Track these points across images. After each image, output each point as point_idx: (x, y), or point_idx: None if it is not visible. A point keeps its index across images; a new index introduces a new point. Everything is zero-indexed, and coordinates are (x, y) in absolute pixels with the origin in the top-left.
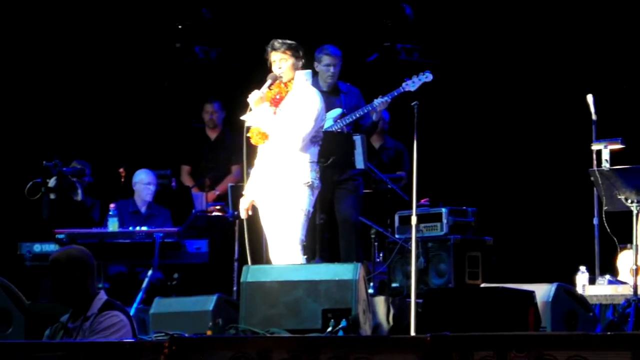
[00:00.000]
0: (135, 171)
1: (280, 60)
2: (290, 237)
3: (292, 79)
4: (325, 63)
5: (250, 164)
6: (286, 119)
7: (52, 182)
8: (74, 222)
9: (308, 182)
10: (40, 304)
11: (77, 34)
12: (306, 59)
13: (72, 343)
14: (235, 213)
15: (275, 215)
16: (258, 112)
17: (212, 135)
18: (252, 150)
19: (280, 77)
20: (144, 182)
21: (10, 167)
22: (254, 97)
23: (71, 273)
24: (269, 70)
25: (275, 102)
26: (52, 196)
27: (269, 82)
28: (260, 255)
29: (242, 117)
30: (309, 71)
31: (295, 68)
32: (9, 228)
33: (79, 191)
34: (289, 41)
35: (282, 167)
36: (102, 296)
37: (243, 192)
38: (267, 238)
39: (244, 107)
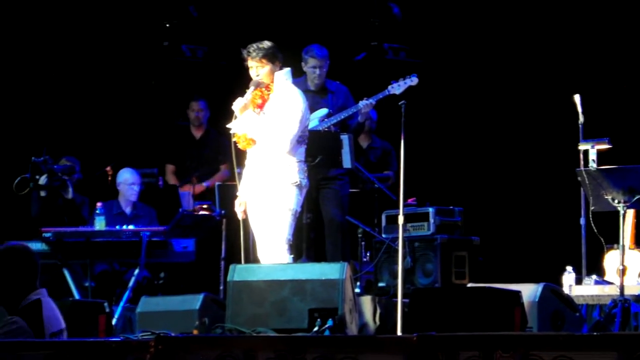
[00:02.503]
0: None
1: (257, 68)
2: (278, 236)
3: (272, 81)
4: (311, 65)
5: (239, 164)
6: (271, 123)
7: (42, 180)
8: (63, 220)
9: (296, 182)
10: None
11: (65, 32)
12: (292, 57)
13: (59, 342)
14: (223, 212)
15: (263, 215)
16: (243, 119)
17: (197, 134)
18: (241, 151)
19: (262, 82)
20: (128, 182)
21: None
22: (238, 105)
23: (4, 270)
24: (249, 74)
25: (259, 106)
26: (42, 193)
27: (252, 88)
28: (248, 255)
29: (228, 126)
30: (288, 70)
31: (273, 72)
32: None
33: (70, 189)
34: (265, 46)
35: (270, 167)
36: (32, 297)
37: (237, 194)
38: (255, 237)
39: (230, 105)
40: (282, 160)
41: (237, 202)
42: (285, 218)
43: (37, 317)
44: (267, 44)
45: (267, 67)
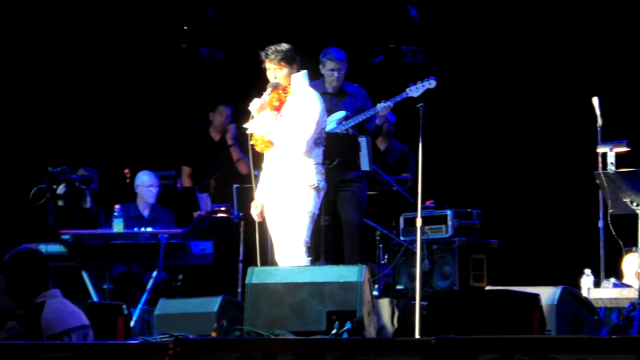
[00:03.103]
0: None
1: (275, 70)
2: (295, 238)
3: (290, 84)
4: (329, 68)
5: (257, 167)
6: (288, 124)
7: (61, 189)
8: (81, 229)
9: (314, 184)
10: None
11: (82, 36)
12: (310, 59)
13: (78, 344)
14: (241, 214)
15: (280, 217)
16: (260, 120)
17: (216, 136)
18: (259, 154)
19: (280, 85)
20: (146, 185)
21: (14, 169)
22: (255, 105)
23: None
24: (267, 76)
25: (276, 108)
26: (60, 203)
27: (269, 90)
28: (266, 257)
29: (245, 125)
30: (305, 72)
31: (290, 74)
32: (14, 229)
33: (88, 198)
34: (283, 48)
35: (287, 170)
36: (39, 299)
37: (254, 196)
38: (272, 240)
39: (248, 108)
40: (300, 163)
41: (253, 205)
42: (303, 220)
43: (35, 320)
44: (285, 46)
45: (285, 70)
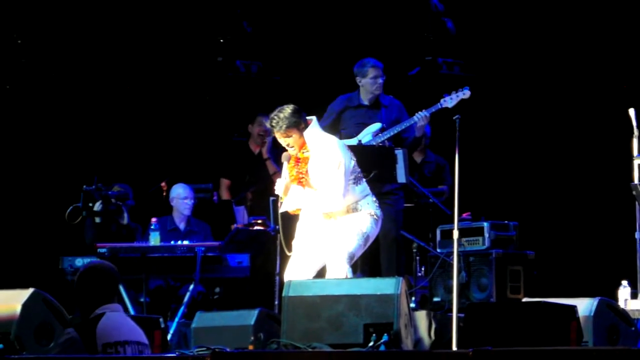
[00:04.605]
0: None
1: (286, 140)
2: (342, 250)
3: (305, 143)
4: (373, 75)
5: None
6: (318, 191)
7: (97, 206)
8: None
9: (371, 213)
10: None
11: (118, 51)
12: (345, 73)
13: (115, 357)
14: (277, 227)
15: (334, 235)
16: (290, 198)
17: (255, 149)
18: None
19: (292, 155)
20: (181, 197)
21: (50, 187)
22: (280, 187)
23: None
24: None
25: (300, 180)
26: (97, 220)
27: (285, 164)
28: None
29: (280, 211)
30: (314, 119)
31: (301, 134)
32: (51, 242)
33: (125, 215)
34: (286, 114)
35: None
36: (99, 311)
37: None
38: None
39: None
40: (350, 204)
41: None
42: (355, 238)
43: (91, 328)
44: (287, 111)
45: (296, 135)
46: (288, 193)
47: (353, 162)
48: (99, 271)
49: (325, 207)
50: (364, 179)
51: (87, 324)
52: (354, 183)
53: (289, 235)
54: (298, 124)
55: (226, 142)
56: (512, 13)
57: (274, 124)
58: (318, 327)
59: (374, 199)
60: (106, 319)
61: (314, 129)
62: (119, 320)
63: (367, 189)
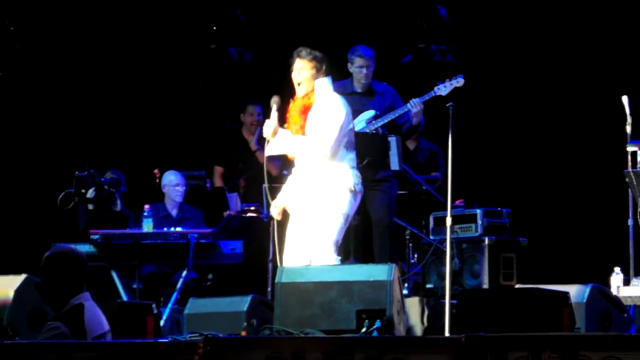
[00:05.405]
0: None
1: (301, 69)
2: (326, 238)
3: (312, 90)
4: (358, 65)
5: (287, 167)
6: (308, 136)
7: (90, 193)
8: None
9: (350, 188)
10: None
11: (111, 38)
12: (339, 59)
13: (107, 343)
14: (270, 214)
15: (313, 217)
16: (277, 141)
17: (248, 137)
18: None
19: (279, 102)
20: (172, 184)
21: (42, 174)
22: (269, 129)
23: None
24: (290, 76)
25: (304, 112)
26: (90, 207)
27: (274, 107)
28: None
29: (265, 155)
30: (328, 78)
31: (314, 78)
32: (43, 228)
33: (118, 201)
34: (318, 52)
35: (322, 175)
36: (74, 301)
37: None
38: (289, 240)
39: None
40: (334, 169)
41: (273, 204)
42: (337, 221)
43: (78, 321)
44: (319, 52)
45: (311, 72)
46: (275, 137)
47: (351, 126)
48: (71, 257)
49: (314, 152)
50: (355, 150)
51: (71, 317)
52: (345, 146)
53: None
54: (319, 66)
55: (219, 129)
56: (505, 0)
57: (302, 50)
58: (311, 313)
59: (358, 173)
60: (88, 311)
61: (325, 83)
62: (97, 311)
63: (355, 162)
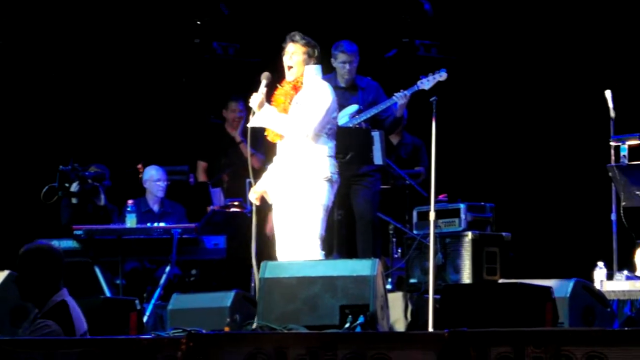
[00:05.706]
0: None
1: (293, 54)
2: (310, 232)
3: (302, 75)
4: (341, 60)
5: (269, 160)
6: (293, 114)
7: (74, 187)
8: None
9: (327, 177)
10: None
11: (93, 32)
12: (323, 54)
13: (91, 340)
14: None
15: (293, 211)
16: (262, 114)
17: (232, 132)
18: (270, 144)
19: (270, 78)
20: (154, 179)
21: (25, 168)
22: (255, 101)
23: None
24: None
25: (290, 96)
26: (73, 200)
27: (264, 81)
28: (269, 252)
29: (248, 125)
30: (318, 66)
31: (304, 64)
32: (26, 223)
33: (102, 195)
34: (311, 39)
35: (300, 162)
36: (57, 298)
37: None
38: (278, 234)
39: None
40: (312, 155)
41: (252, 190)
42: (317, 214)
43: (66, 319)
44: (312, 40)
45: (302, 57)
46: (261, 110)
47: (336, 114)
48: (48, 253)
49: (297, 129)
50: (335, 140)
51: (58, 315)
52: (327, 133)
53: (264, 218)
54: (312, 52)
55: (203, 124)
56: None
57: (294, 34)
58: (294, 308)
59: (335, 163)
60: (72, 309)
61: (315, 70)
62: (78, 309)
63: (333, 152)
